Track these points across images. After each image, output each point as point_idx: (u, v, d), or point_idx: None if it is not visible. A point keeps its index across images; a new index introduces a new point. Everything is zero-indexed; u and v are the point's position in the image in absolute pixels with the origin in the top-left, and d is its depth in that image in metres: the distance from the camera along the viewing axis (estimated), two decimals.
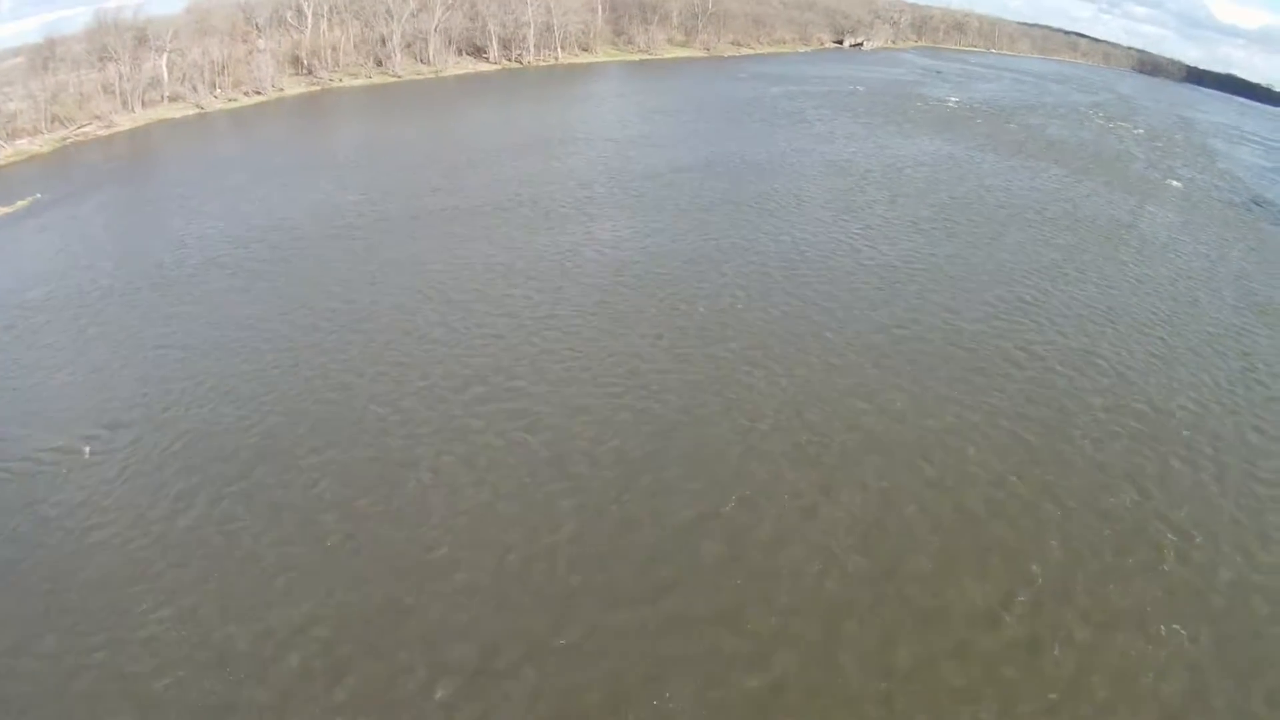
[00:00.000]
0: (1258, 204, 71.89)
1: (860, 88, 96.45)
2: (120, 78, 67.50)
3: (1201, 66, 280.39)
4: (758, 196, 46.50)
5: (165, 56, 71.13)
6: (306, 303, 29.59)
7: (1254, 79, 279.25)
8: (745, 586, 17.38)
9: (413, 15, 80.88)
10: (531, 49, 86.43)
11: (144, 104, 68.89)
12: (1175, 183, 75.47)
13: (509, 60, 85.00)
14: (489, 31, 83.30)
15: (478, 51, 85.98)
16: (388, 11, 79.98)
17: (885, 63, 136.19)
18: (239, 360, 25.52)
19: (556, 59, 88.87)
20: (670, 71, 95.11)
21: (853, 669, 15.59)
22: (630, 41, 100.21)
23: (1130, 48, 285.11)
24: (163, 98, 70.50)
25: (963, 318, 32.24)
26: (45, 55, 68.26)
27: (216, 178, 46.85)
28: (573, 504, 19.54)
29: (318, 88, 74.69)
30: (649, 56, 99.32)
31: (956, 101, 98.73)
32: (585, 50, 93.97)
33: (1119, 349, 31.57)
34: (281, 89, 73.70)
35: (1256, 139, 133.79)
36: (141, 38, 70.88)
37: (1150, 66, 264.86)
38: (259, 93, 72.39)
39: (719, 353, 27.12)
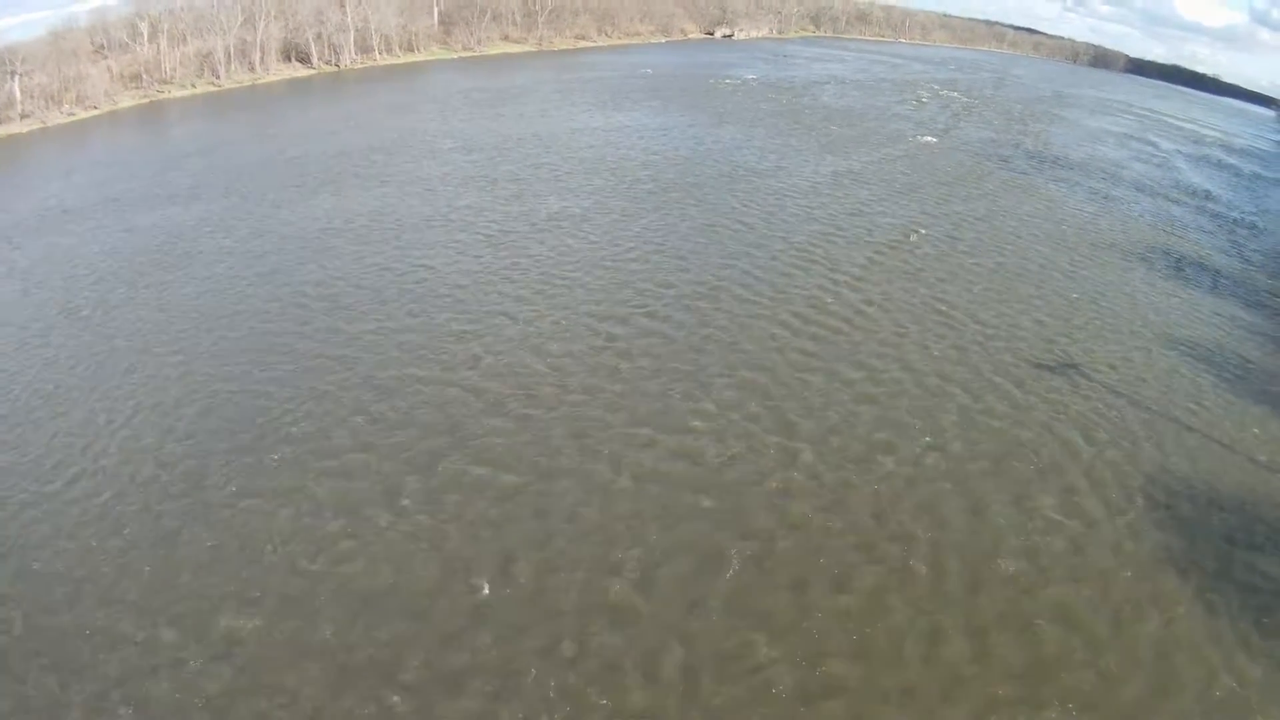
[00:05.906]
0: (1032, 158, 75.03)
1: (649, 70, 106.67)
2: None
3: (1157, 61, 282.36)
4: (339, 175, 55.12)
5: (18, 79, 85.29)
6: None
7: (1206, 71, 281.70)
8: None
9: (240, 28, 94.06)
10: (350, 52, 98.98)
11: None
12: (929, 139, 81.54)
13: (326, 64, 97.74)
14: (308, 38, 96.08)
15: (306, 58, 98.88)
16: (219, 26, 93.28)
17: (735, 50, 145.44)
18: None
19: (375, 60, 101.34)
20: (479, 67, 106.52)
21: None
22: (459, 41, 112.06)
23: (1067, 38, 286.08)
24: (17, 115, 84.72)
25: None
26: None
27: None
28: None
29: (147, 100, 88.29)
30: (473, 54, 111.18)
31: (751, 79, 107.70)
32: (410, 50, 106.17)
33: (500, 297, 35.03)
34: (116, 102, 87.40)
35: (1136, 112, 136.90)
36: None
37: (1089, 56, 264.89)
38: (95, 107, 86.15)
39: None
